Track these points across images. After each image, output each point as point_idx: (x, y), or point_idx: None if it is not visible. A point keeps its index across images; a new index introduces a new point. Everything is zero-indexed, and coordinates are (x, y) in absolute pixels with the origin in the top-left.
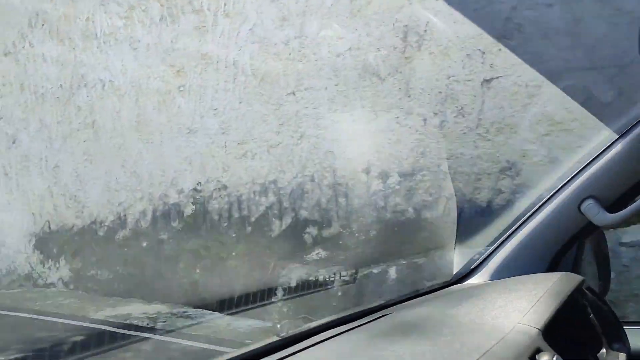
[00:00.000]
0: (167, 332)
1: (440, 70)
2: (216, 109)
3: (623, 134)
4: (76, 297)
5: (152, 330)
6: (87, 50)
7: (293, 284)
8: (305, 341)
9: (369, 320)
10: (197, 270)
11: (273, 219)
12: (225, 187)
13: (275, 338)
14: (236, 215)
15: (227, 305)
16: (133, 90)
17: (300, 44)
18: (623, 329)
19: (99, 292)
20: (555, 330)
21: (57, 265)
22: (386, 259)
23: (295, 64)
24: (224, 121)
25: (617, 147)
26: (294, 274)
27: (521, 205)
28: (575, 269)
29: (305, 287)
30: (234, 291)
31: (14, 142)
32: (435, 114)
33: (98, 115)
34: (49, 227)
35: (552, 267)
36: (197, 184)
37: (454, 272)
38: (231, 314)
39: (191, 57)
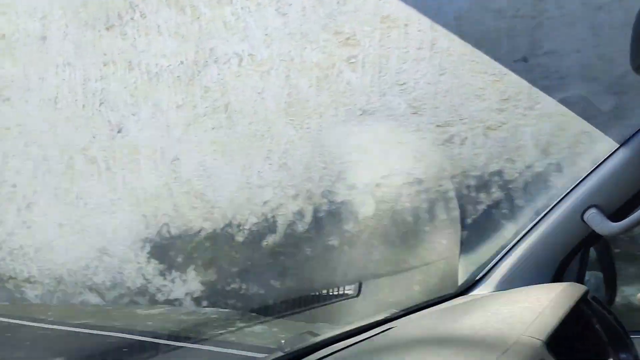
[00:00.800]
0: None
1: None
2: (404, 84)
3: (625, 142)
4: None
5: None
6: (216, 20)
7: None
8: (309, 356)
9: (373, 334)
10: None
11: (503, 221)
12: (419, 181)
13: (280, 354)
14: (442, 216)
15: None
16: (282, 66)
17: None
18: (631, 338)
19: (246, 309)
20: (560, 341)
21: (184, 278)
22: None
23: (528, 22)
24: (415, 99)
25: (619, 155)
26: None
27: (524, 215)
28: (579, 278)
29: (309, 301)
30: None
31: (119, 132)
32: None
33: (233, 96)
34: (168, 232)
35: (556, 278)
36: (381, 177)
37: (459, 284)
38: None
39: (365, 21)
